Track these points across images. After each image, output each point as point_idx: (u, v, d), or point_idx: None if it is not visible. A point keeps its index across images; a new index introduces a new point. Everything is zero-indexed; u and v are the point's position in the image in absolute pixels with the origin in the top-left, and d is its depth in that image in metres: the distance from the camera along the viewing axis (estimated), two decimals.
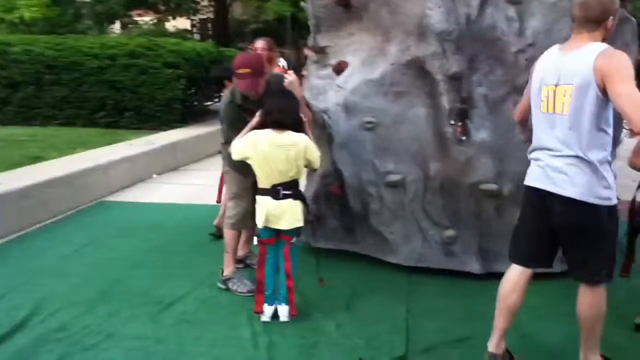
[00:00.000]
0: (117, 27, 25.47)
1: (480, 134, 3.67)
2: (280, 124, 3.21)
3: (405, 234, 3.91)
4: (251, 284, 3.63)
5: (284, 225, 3.26)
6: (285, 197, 3.24)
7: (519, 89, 3.67)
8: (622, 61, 2.35)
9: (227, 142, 3.54)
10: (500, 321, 2.77)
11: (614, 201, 2.51)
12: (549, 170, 2.56)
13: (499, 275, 3.79)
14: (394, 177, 3.85)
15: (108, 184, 6.46)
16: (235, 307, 3.53)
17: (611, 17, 2.46)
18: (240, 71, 3.36)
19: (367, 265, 4.11)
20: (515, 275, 2.76)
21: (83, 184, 6.01)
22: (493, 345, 2.78)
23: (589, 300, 2.59)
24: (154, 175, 7.32)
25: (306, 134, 3.32)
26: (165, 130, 9.46)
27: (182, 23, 25.24)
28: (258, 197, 3.31)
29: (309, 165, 3.39)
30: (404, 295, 3.67)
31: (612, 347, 2.81)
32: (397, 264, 3.96)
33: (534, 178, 2.66)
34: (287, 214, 3.25)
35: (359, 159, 3.97)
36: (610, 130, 2.49)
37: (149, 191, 6.63)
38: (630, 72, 2.36)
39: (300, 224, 3.32)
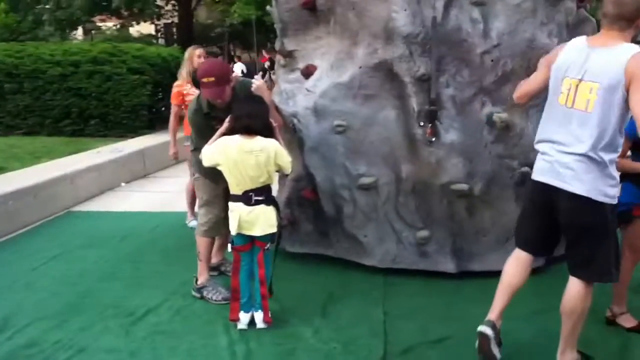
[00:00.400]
0: (79, 33, 25.02)
1: (450, 135, 3.71)
2: (249, 130, 3.20)
3: (379, 236, 3.92)
4: (226, 292, 3.60)
5: (257, 231, 3.24)
6: (258, 202, 3.22)
7: (485, 90, 3.74)
8: None
9: (197, 149, 3.51)
10: (501, 299, 2.83)
11: (617, 200, 2.56)
12: (558, 166, 2.56)
13: (473, 274, 3.86)
14: (366, 180, 3.86)
15: (75, 194, 6.32)
16: (210, 315, 3.48)
17: None
18: (205, 80, 3.32)
19: (342, 269, 4.11)
20: (520, 258, 2.84)
21: (49, 195, 5.86)
22: (493, 316, 2.83)
23: (580, 295, 2.61)
24: (123, 184, 7.19)
25: (276, 139, 3.31)
26: (132, 137, 9.31)
27: (146, 28, 24.93)
28: (230, 204, 3.28)
29: (280, 171, 3.38)
30: (380, 297, 3.68)
31: (584, 341, 2.85)
32: (373, 266, 3.97)
33: (541, 173, 2.67)
34: (260, 220, 3.23)
35: (331, 163, 3.97)
36: (620, 137, 2.53)
37: (118, 200, 6.51)
38: None
39: (274, 229, 3.30)
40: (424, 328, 3.27)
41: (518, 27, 3.72)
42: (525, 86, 2.87)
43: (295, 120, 4.08)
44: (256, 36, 21.18)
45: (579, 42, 2.60)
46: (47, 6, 19.79)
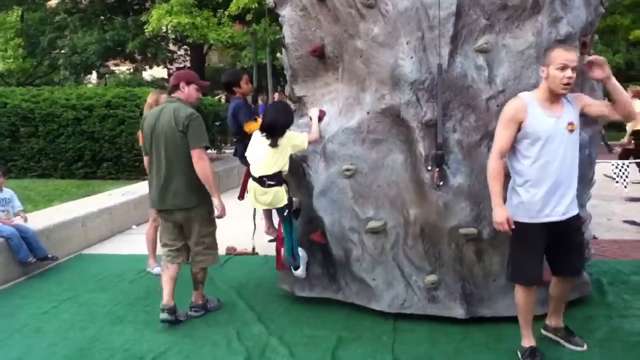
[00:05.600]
0: (93, 77, 25.60)
1: (457, 179, 3.74)
2: (272, 133, 3.90)
3: (387, 280, 3.92)
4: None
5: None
6: (270, 186, 3.90)
7: (492, 134, 3.76)
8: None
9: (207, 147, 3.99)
10: None
11: (516, 218, 3.18)
12: None
13: (482, 319, 3.83)
14: (374, 224, 3.89)
15: (86, 237, 6.38)
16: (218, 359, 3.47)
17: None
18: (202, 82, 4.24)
19: (351, 312, 4.09)
20: None
21: (60, 238, 5.92)
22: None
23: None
24: (134, 226, 7.25)
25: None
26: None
27: (158, 72, 25.48)
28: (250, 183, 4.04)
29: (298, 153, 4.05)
30: (390, 343, 3.65)
31: None
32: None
33: None
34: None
35: (340, 206, 4.01)
36: (516, 163, 3.21)
37: (129, 243, 6.54)
38: (503, 116, 3.19)
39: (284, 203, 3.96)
40: None
41: (523, 74, 3.79)
42: None
43: (304, 165, 4.15)
44: (267, 79, 21.57)
45: None
46: (63, 51, 20.34)
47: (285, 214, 3.97)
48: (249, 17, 14.62)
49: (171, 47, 22.78)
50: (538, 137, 3.10)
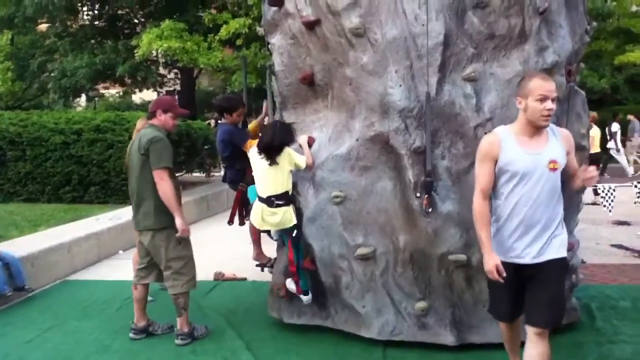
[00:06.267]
0: (82, 100, 25.56)
1: (446, 205, 3.75)
2: (270, 153, 3.99)
3: (377, 307, 3.90)
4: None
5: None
6: (278, 205, 3.96)
7: None
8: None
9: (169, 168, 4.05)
10: None
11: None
12: None
13: (472, 346, 3.81)
14: (364, 250, 3.88)
15: (72, 262, 6.30)
16: None
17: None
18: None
19: (341, 340, 4.05)
20: None
21: (46, 264, 5.85)
22: None
23: None
24: (121, 252, 7.17)
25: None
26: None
27: (148, 95, 25.46)
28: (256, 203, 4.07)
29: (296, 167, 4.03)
30: None
31: None
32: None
33: None
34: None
35: (329, 233, 4.00)
36: (493, 200, 3.05)
37: (115, 268, 6.47)
38: (478, 153, 3.03)
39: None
40: None
41: (510, 102, 3.82)
42: None
43: (294, 191, 4.14)
44: (256, 102, 21.68)
45: None
46: (52, 74, 20.29)
47: (294, 234, 3.99)
48: (239, 42, 14.70)
49: (161, 70, 22.79)
50: (514, 174, 2.91)
